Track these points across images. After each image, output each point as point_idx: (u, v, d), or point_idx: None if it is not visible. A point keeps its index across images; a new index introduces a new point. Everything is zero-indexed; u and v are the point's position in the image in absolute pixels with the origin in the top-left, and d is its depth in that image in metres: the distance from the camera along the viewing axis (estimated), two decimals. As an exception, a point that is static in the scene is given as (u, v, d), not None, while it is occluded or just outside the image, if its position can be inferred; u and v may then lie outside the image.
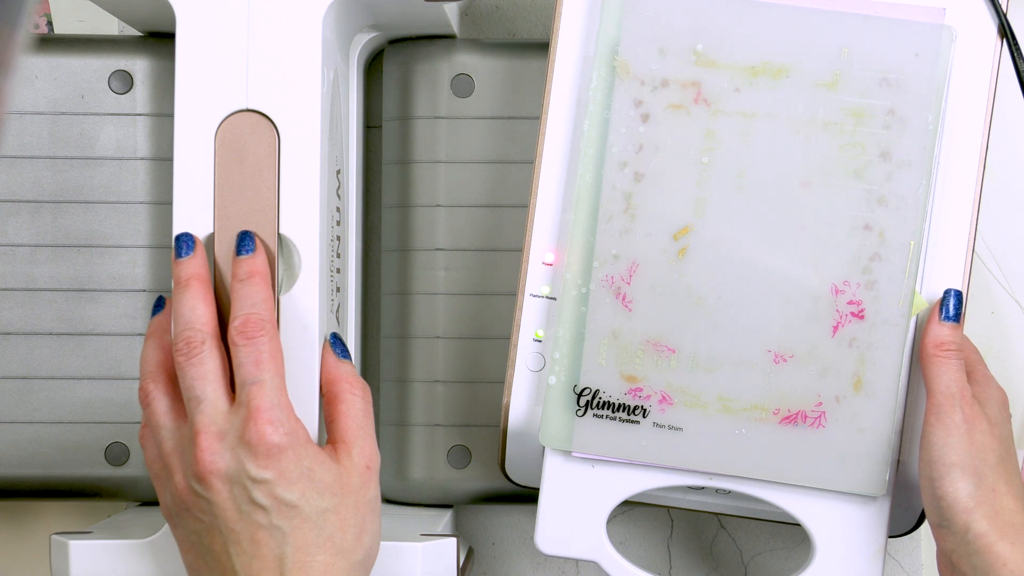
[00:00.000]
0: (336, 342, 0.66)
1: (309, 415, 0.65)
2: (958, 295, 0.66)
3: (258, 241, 0.64)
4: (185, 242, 0.64)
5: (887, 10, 0.66)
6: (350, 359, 0.66)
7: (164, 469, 0.63)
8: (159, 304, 0.66)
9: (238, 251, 0.64)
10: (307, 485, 0.61)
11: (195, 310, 0.63)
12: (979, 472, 0.63)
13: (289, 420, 0.61)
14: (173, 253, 0.64)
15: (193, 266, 0.64)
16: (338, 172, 0.72)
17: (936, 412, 0.64)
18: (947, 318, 0.66)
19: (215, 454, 0.61)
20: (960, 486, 0.63)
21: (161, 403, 0.63)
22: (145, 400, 0.64)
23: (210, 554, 0.61)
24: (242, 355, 0.62)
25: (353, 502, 0.62)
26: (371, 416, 0.65)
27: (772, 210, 0.66)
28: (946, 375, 0.64)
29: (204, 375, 0.62)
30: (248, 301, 0.63)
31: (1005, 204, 0.80)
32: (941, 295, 0.66)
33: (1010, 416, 0.66)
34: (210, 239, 0.67)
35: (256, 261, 0.64)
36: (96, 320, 0.75)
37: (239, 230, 0.66)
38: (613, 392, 0.67)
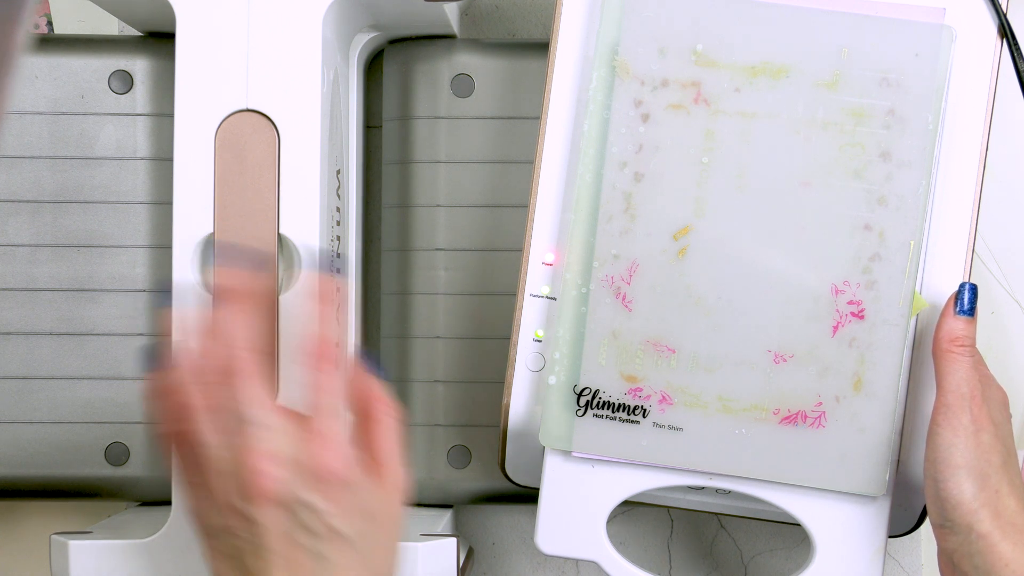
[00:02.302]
0: (367, 355, 0.64)
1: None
2: (973, 288, 0.65)
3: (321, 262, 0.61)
4: (231, 250, 0.61)
5: (887, 10, 0.66)
6: (381, 375, 0.63)
7: (205, 482, 0.59)
8: (211, 307, 0.62)
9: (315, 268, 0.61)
10: (361, 519, 0.59)
11: (240, 326, 0.60)
12: (984, 474, 0.63)
13: (351, 453, 0.59)
14: (217, 260, 0.62)
15: (245, 280, 0.61)
16: (338, 172, 0.72)
17: (944, 412, 0.63)
18: (962, 311, 0.65)
19: (272, 478, 0.58)
20: (965, 488, 0.62)
21: (206, 415, 0.59)
22: (185, 410, 0.60)
23: (244, 569, 0.59)
24: (317, 379, 0.60)
25: (391, 529, 0.60)
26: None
27: (772, 210, 0.66)
28: (958, 373, 0.64)
29: (257, 394, 0.59)
30: (324, 326, 0.60)
31: (1005, 204, 0.80)
32: (956, 287, 0.66)
33: (1010, 416, 0.66)
34: (210, 239, 0.67)
35: (331, 284, 0.62)
36: (96, 320, 0.75)
37: (239, 230, 0.66)
38: (613, 392, 0.67)
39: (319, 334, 0.59)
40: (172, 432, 0.60)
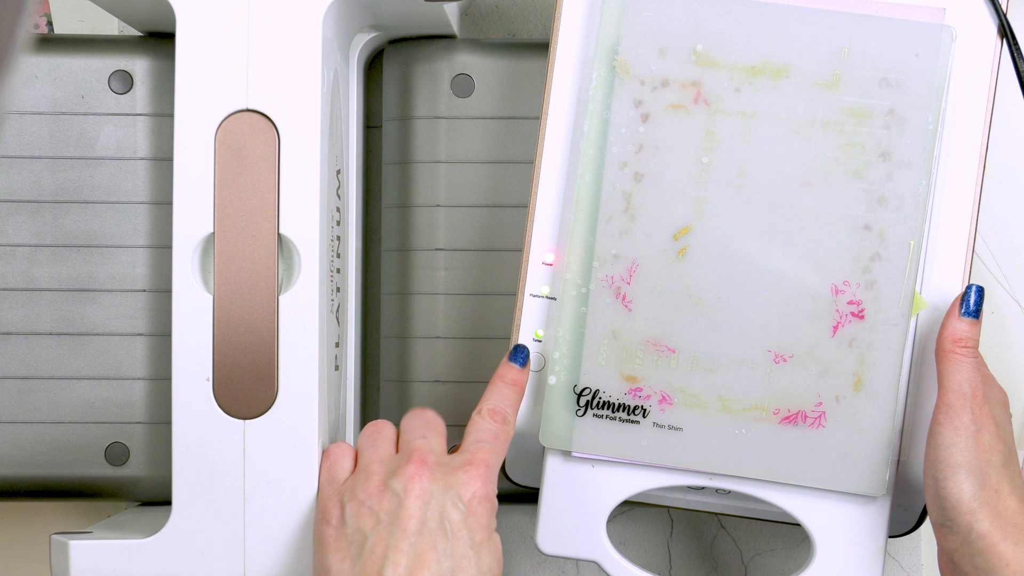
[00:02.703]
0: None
1: (308, 411, 0.66)
2: (980, 290, 0.65)
3: (531, 360, 0.68)
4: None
5: (887, 10, 0.66)
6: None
7: (361, 472, 0.64)
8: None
9: (514, 359, 0.68)
10: (487, 539, 0.62)
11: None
12: (984, 473, 0.63)
13: (494, 487, 0.64)
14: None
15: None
16: (338, 172, 0.72)
17: (946, 411, 0.63)
18: (967, 313, 0.65)
19: (428, 466, 0.63)
20: (964, 487, 0.62)
21: (405, 423, 0.67)
22: (376, 428, 0.67)
23: (363, 556, 0.62)
24: (484, 425, 0.65)
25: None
26: None
27: (772, 210, 0.66)
28: (960, 373, 0.64)
29: (433, 426, 0.66)
30: (506, 400, 0.67)
31: (1005, 204, 0.80)
32: (963, 289, 0.66)
33: (1011, 417, 0.65)
34: (210, 239, 0.67)
35: (523, 374, 0.68)
36: (96, 320, 0.75)
37: (239, 230, 0.66)
38: (613, 392, 0.67)
39: (494, 405, 0.67)
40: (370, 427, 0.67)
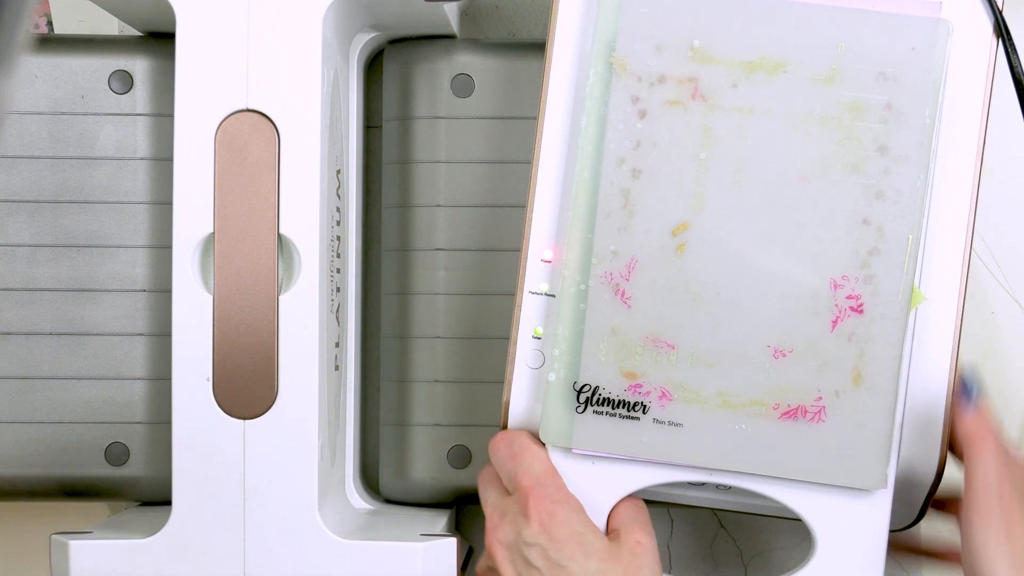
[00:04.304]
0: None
1: (308, 411, 0.66)
2: (970, 373, 0.66)
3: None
4: None
5: (883, 4, 0.66)
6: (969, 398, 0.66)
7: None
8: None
9: None
10: (576, 547, 0.64)
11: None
12: (1022, 562, 0.63)
13: (559, 491, 0.65)
14: None
15: None
16: (338, 172, 0.72)
17: (975, 507, 0.64)
18: (969, 400, 0.66)
19: (496, 529, 0.66)
20: None
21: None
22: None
23: None
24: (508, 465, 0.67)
25: (624, 570, 0.64)
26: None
27: (770, 205, 0.66)
28: (982, 464, 0.64)
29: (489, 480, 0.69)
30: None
31: (1005, 204, 0.80)
32: (958, 381, 0.66)
33: None
34: (210, 239, 0.67)
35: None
36: (96, 320, 0.75)
37: (239, 230, 0.66)
38: (613, 388, 0.67)
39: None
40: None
